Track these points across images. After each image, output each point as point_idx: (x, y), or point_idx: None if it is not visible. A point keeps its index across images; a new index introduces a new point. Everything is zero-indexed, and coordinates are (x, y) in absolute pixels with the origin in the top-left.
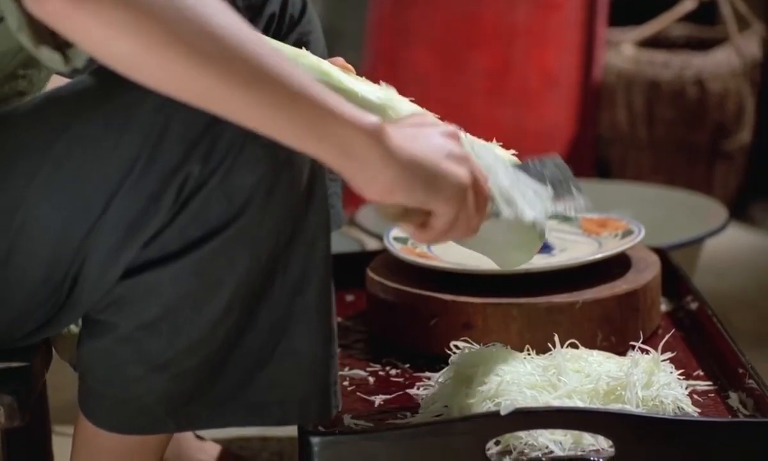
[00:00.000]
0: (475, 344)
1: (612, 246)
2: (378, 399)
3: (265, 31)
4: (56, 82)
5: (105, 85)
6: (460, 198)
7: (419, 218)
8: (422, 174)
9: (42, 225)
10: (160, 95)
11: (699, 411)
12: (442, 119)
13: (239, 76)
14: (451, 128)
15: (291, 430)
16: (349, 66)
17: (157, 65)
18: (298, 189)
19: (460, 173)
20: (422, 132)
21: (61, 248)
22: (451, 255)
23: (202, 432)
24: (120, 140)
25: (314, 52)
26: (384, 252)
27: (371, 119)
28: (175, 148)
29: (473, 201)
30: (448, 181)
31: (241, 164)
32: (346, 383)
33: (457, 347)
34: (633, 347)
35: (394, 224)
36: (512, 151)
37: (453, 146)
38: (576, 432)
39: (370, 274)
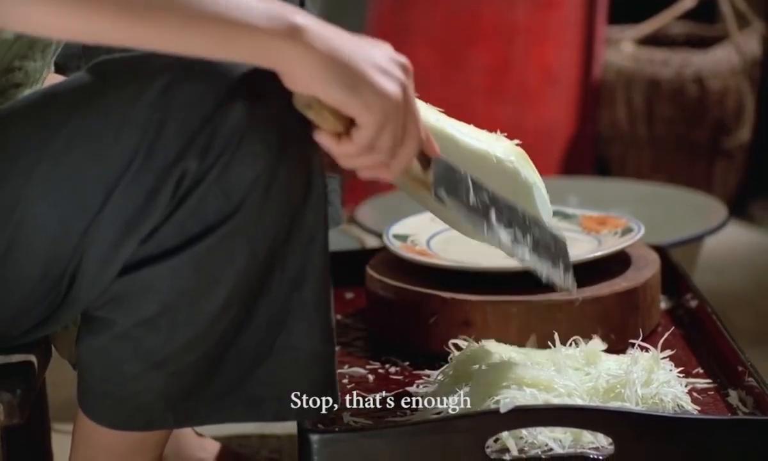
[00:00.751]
0: (474, 342)
1: (611, 244)
2: (378, 397)
3: None
4: (53, 78)
5: (101, 81)
6: (385, 111)
7: (337, 125)
8: (342, 71)
9: (40, 222)
10: (157, 92)
11: (698, 408)
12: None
13: (140, 8)
14: (403, 59)
15: (290, 428)
16: None
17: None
18: (296, 185)
19: (388, 85)
20: (357, 41)
21: (59, 245)
22: (451, 252)
23: (201, 430)
24: (117, 136)
25: None
26: (383, 250)
27: (286, 19)
28: (172, 144)
29: (402, 124)
30: (371, 87)
31: (238, 160)
32: (345, 380)
33: (456, 346)
34: (633, 345)
35: (312, 121)
36: (516, 141)
37: (389, 64)
38: (575, 430)
39: (370, 272)
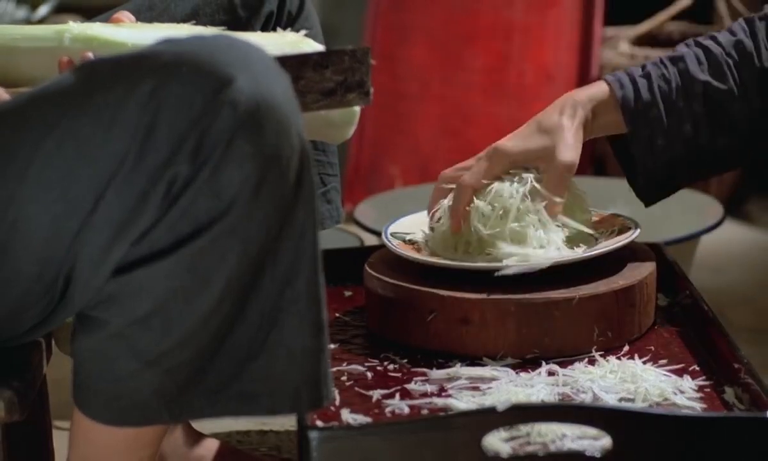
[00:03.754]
0: None
1: (609, 242)
2: (376, 394)
3: (263, 30)
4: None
5: (89, 82)
6: None
7: None
8: None
9: (33, 224)
10: (145, 93)
11: (695, 406)
12: (440, 114)
13: None
14: None
15: (289, 424)
16: (125, 19)
17: None
18: (286, 182)
19: None
20: None
21: (53, 247)
22: (449, 250)
23: (200, 427)
24: (107, 138)
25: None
26: (382, 248)
27: None
28: (163, 145)
29: None
30: None
31: (228, 161)
32: (344, 378)
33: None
34: (630, 342)
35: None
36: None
37: None
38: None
39: (368, 270)
